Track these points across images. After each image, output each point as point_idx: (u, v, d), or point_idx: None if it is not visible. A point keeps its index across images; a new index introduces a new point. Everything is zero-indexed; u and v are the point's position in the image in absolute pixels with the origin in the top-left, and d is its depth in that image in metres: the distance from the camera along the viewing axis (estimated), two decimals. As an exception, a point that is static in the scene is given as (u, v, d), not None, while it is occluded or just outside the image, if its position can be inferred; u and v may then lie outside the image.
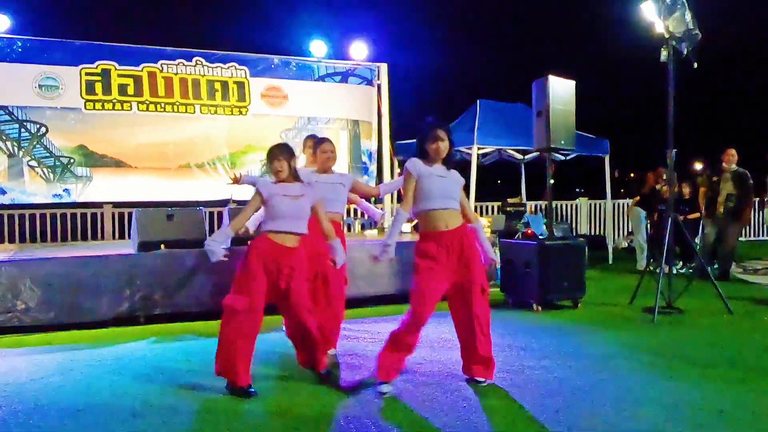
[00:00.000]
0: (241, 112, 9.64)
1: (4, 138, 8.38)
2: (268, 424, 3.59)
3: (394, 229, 4.19)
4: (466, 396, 4.02)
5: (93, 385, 4.33)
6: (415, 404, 3.88)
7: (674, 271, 7.14)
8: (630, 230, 11.04)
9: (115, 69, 8.89)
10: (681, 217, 9.34)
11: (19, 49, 8.49)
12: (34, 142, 8.50)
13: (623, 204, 13.19)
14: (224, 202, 9.57)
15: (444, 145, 4.21)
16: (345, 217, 10.51)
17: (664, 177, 10.43)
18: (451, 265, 4.12)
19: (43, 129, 8.55)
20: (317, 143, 5.21)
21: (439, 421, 3.58)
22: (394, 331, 4.15)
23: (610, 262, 11.19)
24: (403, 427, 3.53)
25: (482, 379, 4.26)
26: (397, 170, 10.52)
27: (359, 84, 10.58)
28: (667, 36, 6.61)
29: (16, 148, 8.44)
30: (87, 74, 8.75)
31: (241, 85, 9.64)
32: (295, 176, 4.30)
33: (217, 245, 4.12)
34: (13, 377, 4.53)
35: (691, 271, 9.41)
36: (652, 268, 7.73)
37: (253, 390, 4.05)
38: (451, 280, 4.14)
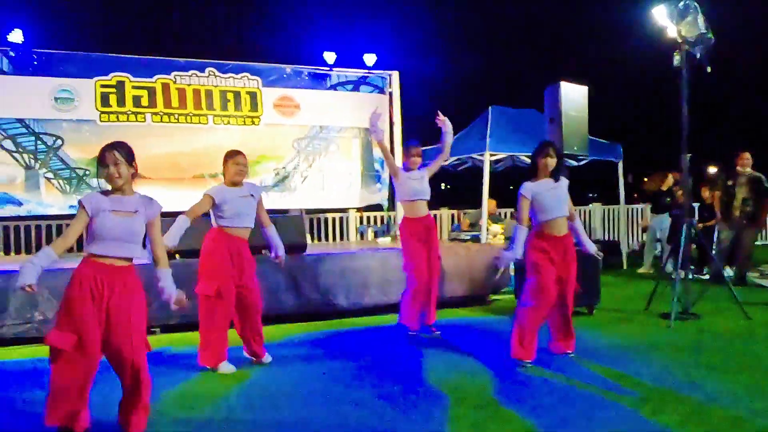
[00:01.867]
0: (253, 122, 9.68)
1: (21, 150, 8.47)
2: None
3: (518, 243, 4.94)
4: (479, 404, 4.01)
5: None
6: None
7: (690, 276, 7.09)
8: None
9: (130, 81, 8.97)
10: (700, 225, 9.29)
11: (35, 62, 8.59)
12: (51, 155, 8.58)
13: (637, 209, 13.12)
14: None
15: (552, 161, 5.00)
16: (360, 225, 10.53)
17: (672, 181, 10.42)
18: (558, 265, 4.94)
19: (59, 141, 8.64)
20: (230, 155, 5.22)
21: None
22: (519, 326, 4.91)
23: (625, 267, 11.12)
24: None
25: (570, 352, 5.15)
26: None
27: (371, 92, 10.60)
28: (679, 40, 6.58)
29: (32, 161, 8.53)
30: (102, 86, 8.84)
31: (253, 96, 9.69)
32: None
33: (33, 269, 3.35)
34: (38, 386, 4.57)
35: (707, 276, 9.34)
36: (649, 271, 7.66)
37: None
38: (557, 275, 4.94)
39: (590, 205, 13.44)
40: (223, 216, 5.03)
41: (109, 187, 3.53)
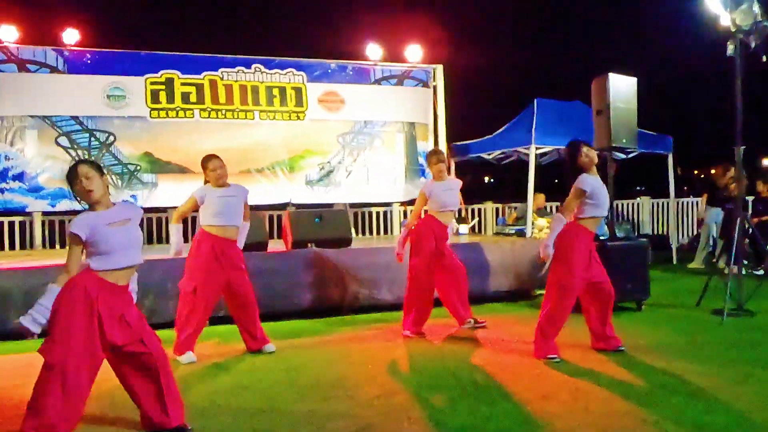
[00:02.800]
0: (299, 118, 9.80)
1: (76, 147, 8.76)
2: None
3: (553, 234, 4.83)
4: (528, 399, 3.99)
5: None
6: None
7: (744, 272, 6.90)
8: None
9: (178, 78, 9.18)
10: (755, 220, 9.03)
11: (89, 61, 8.87)
12: (103, 151, 8.86)
13: (687, 203, 12.80)
14: (283, 206, 9.77)
15: (594, 155, 4.95)
16: (404, 219, 10.57)
17: (730, 174, 10.12)
18: (591, 262, 4.92)
19: (111, 138, 8.91)
20: (205, 162, 5.26)
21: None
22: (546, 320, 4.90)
23: (674, 262, 10.88)
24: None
25: (619, 346, 5.07)
26: (453, 172, 10.48)
27: (415, 86, 10.61)
28: (733, 29, 6.39)
29: (86, 157, 8.80)
30: (152, 83, 9.07)
31: (298, 91, 9.81)
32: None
33: (43, 311, 3.25)
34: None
35: (761, 272, 9.07)
36: (700, 266, 7.45)
37: None
38: (590, 273, 4.92)
39: (638, 199, 13.17)
40: (207, 215, 5.16)
41: (87, 205, 3.42)
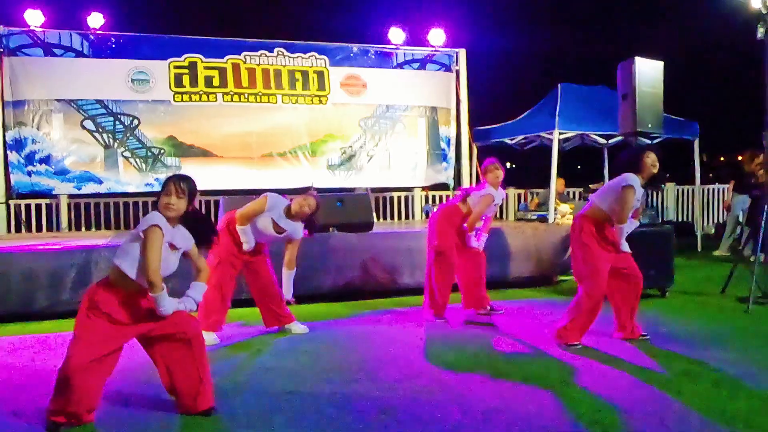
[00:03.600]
0: (321, 101, 9.80)
1: (101, 130, 8.85)
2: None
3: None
4: (550, 385, 3.99)
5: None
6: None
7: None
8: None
9: (202, 61, 9.21)
10: None
11: (113, 45, 8.93)
12: (128, 134, 8.94)
13: (713, 189, 12.62)
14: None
15: (656, 169, 4.85)
16: (425, 204, 10.55)
17: (758, 160, 9.96)
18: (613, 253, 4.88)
19: (136, 121, 8.98)
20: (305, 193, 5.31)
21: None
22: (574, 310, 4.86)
23: (699, 249, 10.76)
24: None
25: (646, 334, 5.03)
26: (475, 157, 10.44)
27: (437, 70, 10.55)
28: (764, 11, 6.26)
29: (111, 140, 8.90)
30: (175, 67, 9.12)
31: (320, 75, 9.80)
32: (185, 220, 3.46)
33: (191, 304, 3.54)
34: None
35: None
36: (726, 254, 7.33)
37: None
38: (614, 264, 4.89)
39: (663, 185, 12.99)
40: (247, 216, 5.19)
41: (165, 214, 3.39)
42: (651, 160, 4.84)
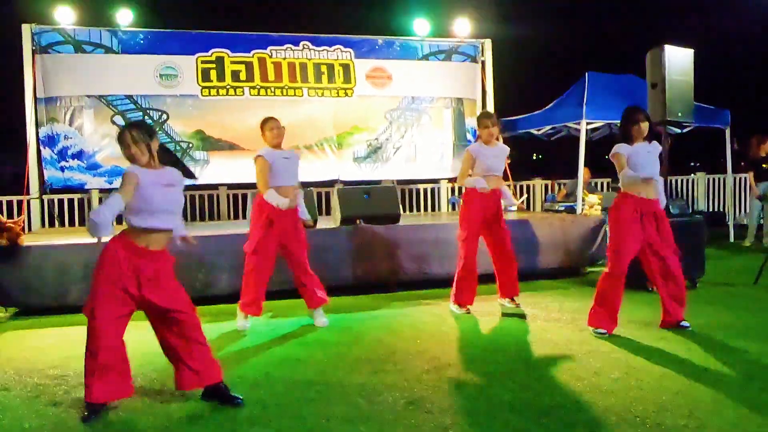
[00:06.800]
0: (347, 94, 9.82)
1: (130, 125, 8.96)
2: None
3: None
4: (580, 376, 3.97)
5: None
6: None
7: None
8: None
9: (228, 56, 9.29)
10: None
11: (142, 41, 9.04)
12: (157, 129, 9.03)
13: (744, 178, 12.40)
14: (331, 183, 9.84)
15: (645, 126, 4.92)
16: (451, 196, 10.55)
17: (764, 147, 9.86)
18: (647, 229, 4.88)
19: (165, 116, 9.09)
20: (265, 122, 5.45)
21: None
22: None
23: (731, 240, 10.59)
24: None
25: (687, 324, 4.99)
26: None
27: (463, 61, 10.49)
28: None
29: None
30: (202, 62, 9.20)
31: (346, 68, 9.81)
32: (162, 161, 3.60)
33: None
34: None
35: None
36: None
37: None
38: (643, 241, 4.89)
39: (693, 175, 12.81)
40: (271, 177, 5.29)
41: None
42: (636, 126, 4.92)
